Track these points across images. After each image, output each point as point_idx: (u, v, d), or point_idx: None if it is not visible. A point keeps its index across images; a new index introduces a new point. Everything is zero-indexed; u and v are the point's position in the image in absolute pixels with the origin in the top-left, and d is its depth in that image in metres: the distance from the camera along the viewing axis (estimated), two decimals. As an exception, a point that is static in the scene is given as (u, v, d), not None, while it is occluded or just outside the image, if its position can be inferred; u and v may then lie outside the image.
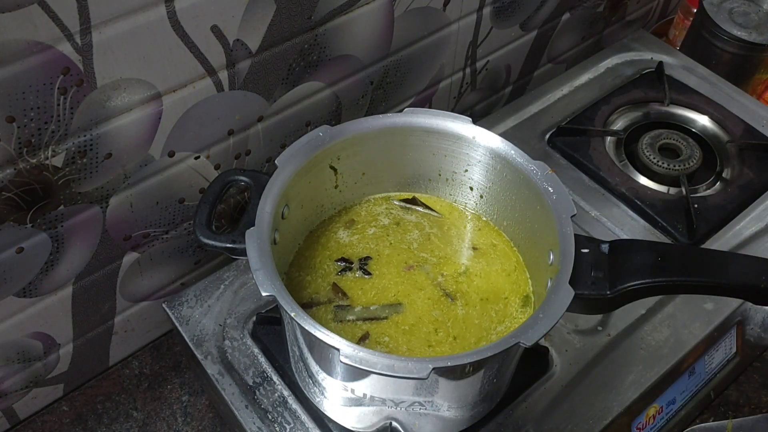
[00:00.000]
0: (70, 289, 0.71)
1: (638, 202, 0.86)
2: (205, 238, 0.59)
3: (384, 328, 0.63)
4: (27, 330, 0.70)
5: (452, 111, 0.82)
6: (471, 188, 0.71)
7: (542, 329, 0.53)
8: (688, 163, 0.89)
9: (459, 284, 0.66)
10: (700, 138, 0.94)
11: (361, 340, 0.62)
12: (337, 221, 0.71)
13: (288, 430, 0.67)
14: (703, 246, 0.83)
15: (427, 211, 0.72)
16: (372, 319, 0.64)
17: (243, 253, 0.56)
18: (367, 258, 0.68)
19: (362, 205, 0.72)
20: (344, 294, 0.65)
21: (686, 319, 0.76)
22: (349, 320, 0.64)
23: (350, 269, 0.67)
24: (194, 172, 0.74)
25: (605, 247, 0.59)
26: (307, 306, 0.64)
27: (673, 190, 0.88)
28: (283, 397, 0.69)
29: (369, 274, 0.67)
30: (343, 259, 0.68)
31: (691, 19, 1.10)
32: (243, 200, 0.81)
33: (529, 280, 0.67)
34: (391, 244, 0.69)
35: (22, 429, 0.77)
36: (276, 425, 0.67)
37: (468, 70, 0.97)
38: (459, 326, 0.63)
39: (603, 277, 0.58)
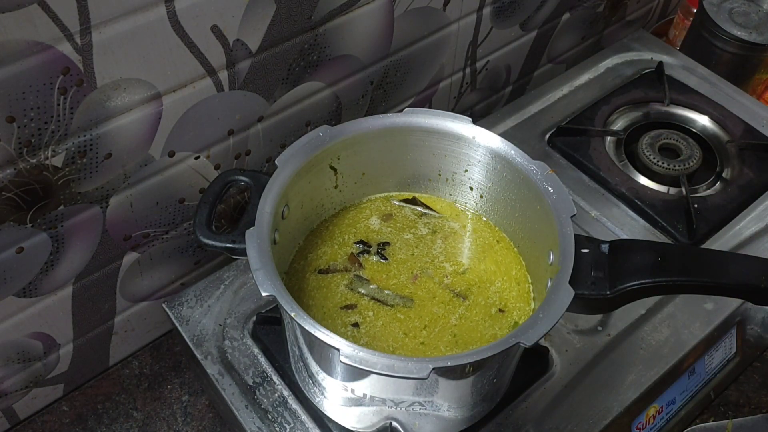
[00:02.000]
0: (70, 289, 0.71)
1: (638, 202, 0.86)
2: (205, 238, 0.59)
3: (378, 308, 0.64)
4: (27, 330, 0.70)
5: (452, 111, 0.83)
6: (471, 188, 0.71)
7: (542, 329, 0.53)
8: (688, 163, 0.89)
9: (468, 284, 0.67)
10: (700, 138, 0.94)
11: (348, 308, 0.63)
12: (371, 209, 0.72)
13: (288, 430, 0.67)
14: (703, 246, 0.83)
15: (427, 210, 0.72)
16: (380, 301, 0.64)
17: (243, 253, 0.56)
18: (386, 243, 0.69)
19: (399, 208, 0.72)
20: (360, 264, 0.66)
21: (686, 319, 0.76)
22: (360, 292, 0.65)
23: (368, 252, 0.68)
24: (194, 172, 0.74)
25: (605, 247, 0.59)
26: (324, 272, 0.66)
27: (673, 190, 0.88)
28: (283, 397, 0.69)
29: (386, 258, 0.68)
30: (362, 242, 0.69)
31: (691, 19, 1.10)
32: (243, 200, 0.81)
33: (533, 298, 0.66)
34: (413, 254, 0.69)
35: (22, 429, 0.77)
36: (276, 425, 0.67)
37: (468, 70, 0.97)
38: (435, 337, 0.63)
39: (603, 277, 0.58)
